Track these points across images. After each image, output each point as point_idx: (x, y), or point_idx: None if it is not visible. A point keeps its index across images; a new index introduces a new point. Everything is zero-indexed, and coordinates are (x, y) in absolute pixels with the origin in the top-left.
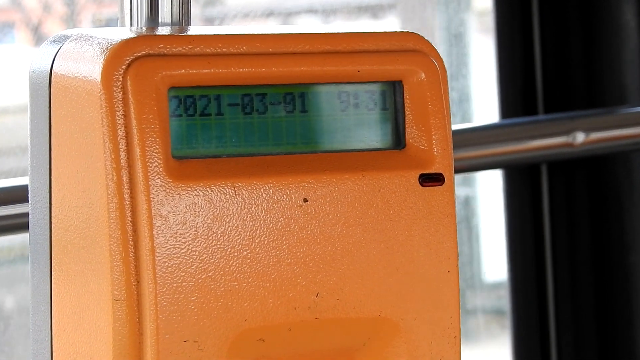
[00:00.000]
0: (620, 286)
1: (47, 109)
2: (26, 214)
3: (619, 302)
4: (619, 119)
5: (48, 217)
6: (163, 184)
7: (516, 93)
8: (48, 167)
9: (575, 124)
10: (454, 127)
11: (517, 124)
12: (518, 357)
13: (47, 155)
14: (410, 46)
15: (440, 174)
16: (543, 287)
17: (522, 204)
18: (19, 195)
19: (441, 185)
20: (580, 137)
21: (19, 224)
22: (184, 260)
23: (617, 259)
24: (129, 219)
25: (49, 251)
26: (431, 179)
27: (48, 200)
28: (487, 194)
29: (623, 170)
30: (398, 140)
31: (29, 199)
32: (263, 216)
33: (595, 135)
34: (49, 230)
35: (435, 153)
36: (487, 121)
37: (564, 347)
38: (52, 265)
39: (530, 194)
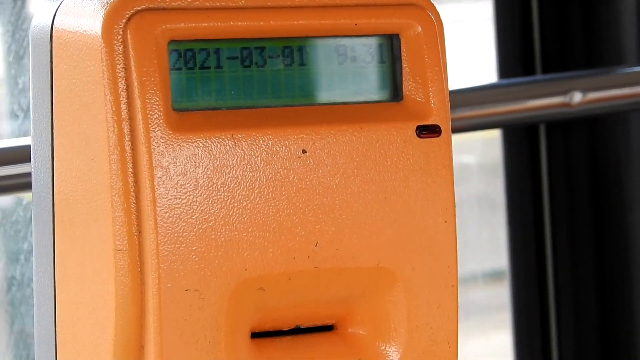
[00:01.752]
0: (619, 245)
1: (49, 65)
2: (29, 174)
3: (617, 262)
4: (616, 78)
5: (50, 172)
6: (164, 135)
7: (514, 53)
8: (50, 122)
9: (572, 83)
10: (452, 87)
11: (515, 84)
12: (517, 315)
13: (49, 111)
14: (407, 0)
15: (437, 126)
16: (542, 246)
17: (521, 163)
18: (22, 155)
19: (438, 136)
20: (577, 97)
21: (23, 184)
22: (185, 211)
23: (615, 218)
24: (130, 170)
25: (51, 205)
26: (428, 131)
27: (50, 154)
28: None
29: (621, 130)
30: (395, 93)
31: (32, 152)
32: (262, 167)
33: (593, 95)
34: (51, 185)
35: (432, 105)
36: (486, 81)
37: (562, 308)
38: (55, 219)
39: (528, 153)
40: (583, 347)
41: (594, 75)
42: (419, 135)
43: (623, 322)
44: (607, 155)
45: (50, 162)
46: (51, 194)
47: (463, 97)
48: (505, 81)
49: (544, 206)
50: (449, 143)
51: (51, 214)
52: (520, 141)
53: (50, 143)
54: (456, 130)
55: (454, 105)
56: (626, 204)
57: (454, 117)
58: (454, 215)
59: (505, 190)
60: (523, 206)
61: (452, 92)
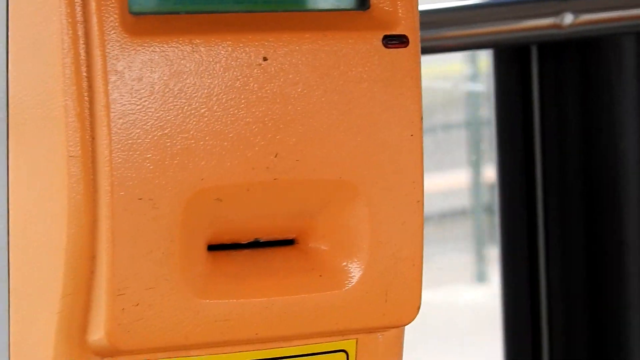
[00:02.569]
0: (609, 172)
1: None
2: None
3: (607, 188)
4: (609, 1)
5: (5, 76)
6: (119, 39)
7: None
8: (5, 25)
9: (564, 5)
10: (441, 5)
11: (505, 4)
12: (505, 240)
13: (5, 14)
14: None
15: (405, 36)
16: (531, 170)
17: (512, 85)
18: None
19: (405, 47)
20: (568, 19)
21: None
22: (140, 117)
23: (606, 145)
24: (84, 74)
25: (5, 110)
26: (395, 41)
27: (5, 58)
28: None
29: (614, 54)
30: (362, 1)
31: None
32: (221, 74)
33: (584, 17)
34: (6, 90)
35: (400, 14)
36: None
37: (550, 231)
38: (9, 124)
39: (519, 76)
40: (569, 269)
41: None
42: (385, 45)
43: (612, 242)
44: (600, 80)
45: (5, 67)
46: (6, 99)
47: (452, 16)
48: (496, 0)
49: (534, 130)
50: (417, 54)
51: (5, 119)
52: (511, 64)
53: (5, 47)
54: (445, 49)
55: (442, 25)
56: (618, 130)
57: (443, 37)
58: (421, 128)
59: (495, 114)
60: (513, 130)
61: (440, 11)
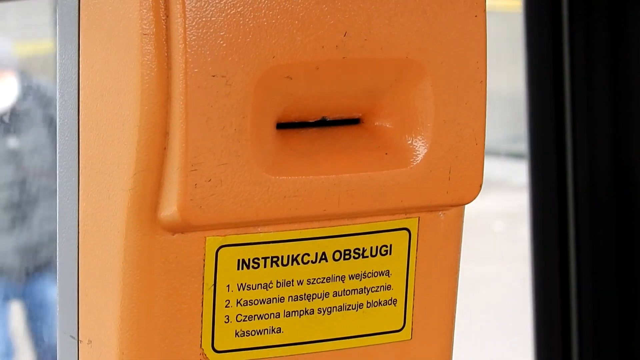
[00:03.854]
0: (635, 84)
1: None
2: None
3: (634, 100)
4: None
5: None
6: None
7: None
8: None
9: None
10: None
11: None
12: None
13: None
14: None
15: None
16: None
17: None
18: None
19: None
20: None
21: None
22: None
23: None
24: None
25: None
26: None
27: None
28: None
29: None
30: None
31: None
32: None
33: None
34: None
35: None
36: None
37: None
38: (80, 5)
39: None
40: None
41: None
42: None
43: None
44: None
45: None
46: None
47: None
48: None
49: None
50: None
51: (77, 1)
52: None
53: None
54: None
55: None
56: None
57: None
58: (485, 10)
59: (525, 27)
60: (541, 40)
61: None
